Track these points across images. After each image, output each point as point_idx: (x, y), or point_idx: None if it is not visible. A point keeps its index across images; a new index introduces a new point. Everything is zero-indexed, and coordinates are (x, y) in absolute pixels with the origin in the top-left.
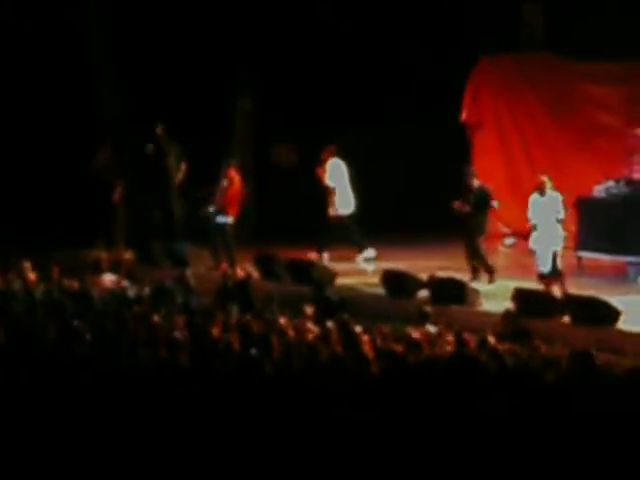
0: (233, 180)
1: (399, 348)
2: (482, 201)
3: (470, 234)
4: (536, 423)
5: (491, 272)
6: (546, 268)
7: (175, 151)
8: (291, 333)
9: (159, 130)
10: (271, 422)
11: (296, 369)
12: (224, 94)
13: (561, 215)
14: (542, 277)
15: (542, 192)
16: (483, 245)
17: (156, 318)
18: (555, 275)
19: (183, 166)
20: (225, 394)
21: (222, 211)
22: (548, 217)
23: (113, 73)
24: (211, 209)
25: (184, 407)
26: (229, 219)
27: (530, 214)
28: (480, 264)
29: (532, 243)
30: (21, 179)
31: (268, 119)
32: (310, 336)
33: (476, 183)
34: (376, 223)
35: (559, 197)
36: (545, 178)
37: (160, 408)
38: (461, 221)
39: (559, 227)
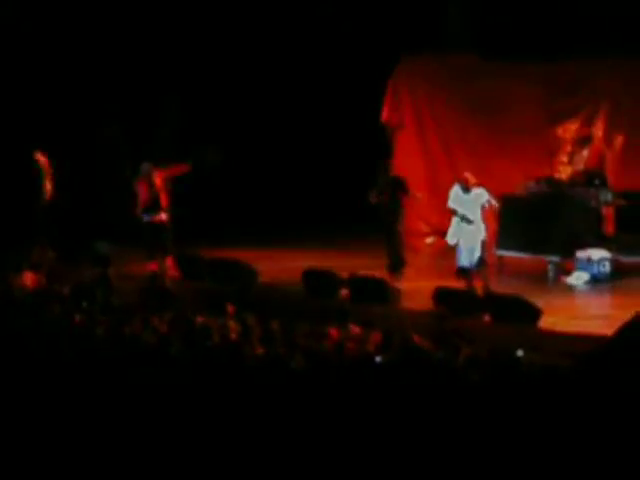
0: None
1: (317, 346)
2: (397, 189)
3: (388, 224)
4: (462, 422)
5: (402, 264)
6: (467, 261)
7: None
8: (214, 332)
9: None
10: (194, 420)
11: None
12: (149, 92)
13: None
14: (463, 271)
15: (466, 189)
16: (401, 235)
17: (78, 317)
18: (481, 266)
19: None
20: (144, 393)
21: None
22: (473, 212)
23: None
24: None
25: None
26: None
27: (451, 206)
28: (393, 251)
29: (451, 237)
30: None
31: (191, 119)
32: (232, 335)
33: (390, 175)
34: (295, 223)
35: (485, 192)
36: (468, 175)
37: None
38: (379, 213)
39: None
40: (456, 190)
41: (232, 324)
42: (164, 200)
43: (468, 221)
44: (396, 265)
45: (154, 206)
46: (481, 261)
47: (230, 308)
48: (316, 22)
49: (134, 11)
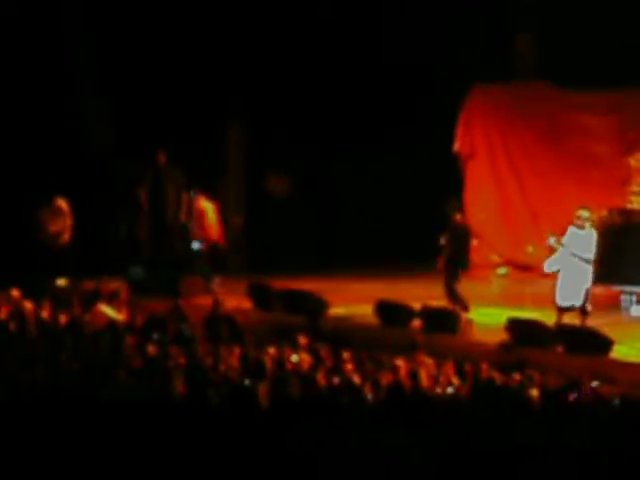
0: (202, 208)
1: (389, 377)
2: (460, 238)
3: (448, 270)
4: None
5: (465, 309)
6: (569, 299)
7: (177, 180)
8: (285, 363)
9: (161, 157)
10: (267, 453)
11: (291, 399)
12: (216, 123)
13: (592, 254)
14: (565, 310)
15: (581, 226)
16: (459, 282)
17: (151, 348)
18: (584, 311)
19: (184, 197)
20: (220, 425)
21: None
22: (583, 252)
23: (104, 104)
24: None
25: (179, 439)
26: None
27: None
28: (454, 302)
29: (549, 266)
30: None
31: (261, 148)
32: (304, 365)
33: (458, 218)
34: (367, 252)
35: (594, 235)
36: (586, 213)
37: (155, 441)
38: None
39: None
40: (572, 231)
41: (304, 355)
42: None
43: (585, 260)
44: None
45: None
46: (584, 307)
47: (302, 339)
48: (390, 49)
49: (193, 35)
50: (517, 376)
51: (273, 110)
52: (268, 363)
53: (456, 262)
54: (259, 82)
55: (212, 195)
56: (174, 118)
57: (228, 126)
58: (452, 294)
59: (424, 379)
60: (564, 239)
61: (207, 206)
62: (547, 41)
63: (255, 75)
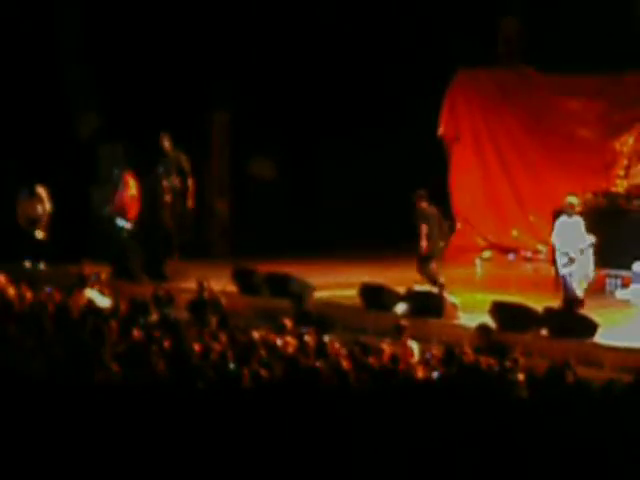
0: (128, 185)
1: (375, 361)
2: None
3: (420, 256)
4: (513, 438)
5: (439, 287)
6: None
7: (181, 165)
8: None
9: (165, 141)
10: (254, 434)
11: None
12: (200, 107)
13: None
14: (577, 301)
15: (570, 214)
16: (433, 266)
17: (136, 332)
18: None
19: (189, 182)
20: (206, 407)
21: (120, 215)
22: (582, 238)
23: (88, 87)
24: (107, 212)
25: (167, 422)
26: (127, 223)
27: (556, 238)
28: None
29: (564, 268)
30: None
31: (245, 132)
32: (290, 349)
33: (423, 206)
34: (350, 236)
35: (581, 220)
36: (574, 199)
37: (145, 424)
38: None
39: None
40: (562, 220)
41: (290, 339)
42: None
43: (584, 250)
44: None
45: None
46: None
47: (288, 323)
48: (372, 34)
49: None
50: (502, 360)
51: (257, 94)
52: (254, 346)
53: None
54: (244, 66)
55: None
56: (158, 102)
57: (212, 110)
58: (427, 277)
59: (410, 363)
60: (555, 231)
61: (131, 183)
62: (531, 25)
63: (240, 59)
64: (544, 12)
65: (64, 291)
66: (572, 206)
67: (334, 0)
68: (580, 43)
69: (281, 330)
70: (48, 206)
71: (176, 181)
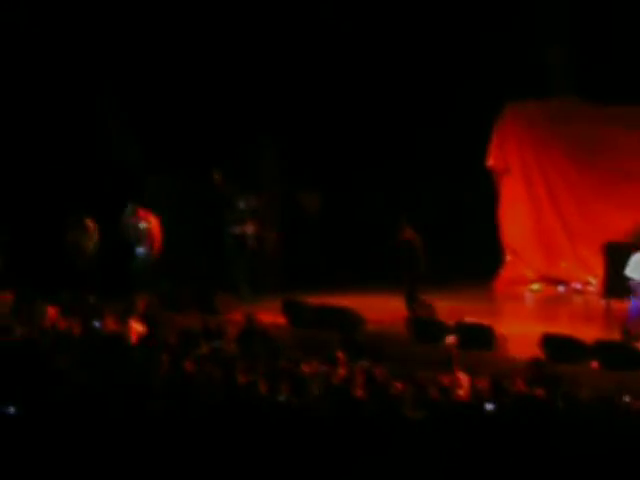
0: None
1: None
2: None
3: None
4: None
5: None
6: None
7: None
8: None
9: (216, 176)
10: (307, 465)
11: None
12: (247, 140)
13: None
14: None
15: None
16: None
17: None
18: None
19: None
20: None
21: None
22: None
23: (126, 122)
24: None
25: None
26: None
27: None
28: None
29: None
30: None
31: (292, 166)
32: (339, 380)
33: (405, 234)
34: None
35: None
36: None
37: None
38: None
39: None
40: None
41: (342, 371)
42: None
43: None
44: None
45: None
46: None
47: (340, 355)
48: (420, 69)
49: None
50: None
51: (303, 126)
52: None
53: (409, 275)
54: (288, 98)
55: None
56: (206, 135)
57: (261, 143)
58: (410, 306)
59: (463, 395)
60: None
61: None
62: (582, 54)
63: (284, 91)
64: (594, 40)
65: (114, 322)
66: None
67: (380, 32)
68: (632, 72)
69: (332, 362)
70: (96, 237)
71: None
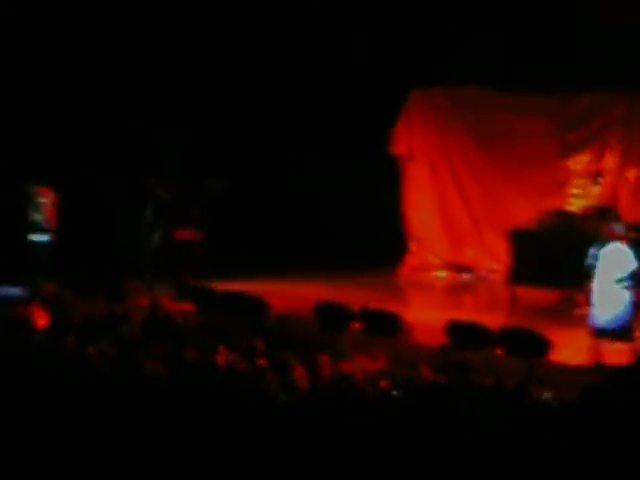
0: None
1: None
2: None
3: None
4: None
5: None
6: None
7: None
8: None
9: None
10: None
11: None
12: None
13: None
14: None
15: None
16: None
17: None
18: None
19: None
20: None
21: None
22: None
23: None
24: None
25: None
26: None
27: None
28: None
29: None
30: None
31: (198, 152)
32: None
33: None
34: (299, 254)
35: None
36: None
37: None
38: None
39: None
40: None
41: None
42: None
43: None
44: None
45: None
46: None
47: (243, 341)
48: (327, 53)
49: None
50: (461, 379)
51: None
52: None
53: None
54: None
55: None
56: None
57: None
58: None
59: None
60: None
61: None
62: (487, 45)
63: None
64: (499, 32)
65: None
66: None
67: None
68: (534, 62)
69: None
70: None
71: None
